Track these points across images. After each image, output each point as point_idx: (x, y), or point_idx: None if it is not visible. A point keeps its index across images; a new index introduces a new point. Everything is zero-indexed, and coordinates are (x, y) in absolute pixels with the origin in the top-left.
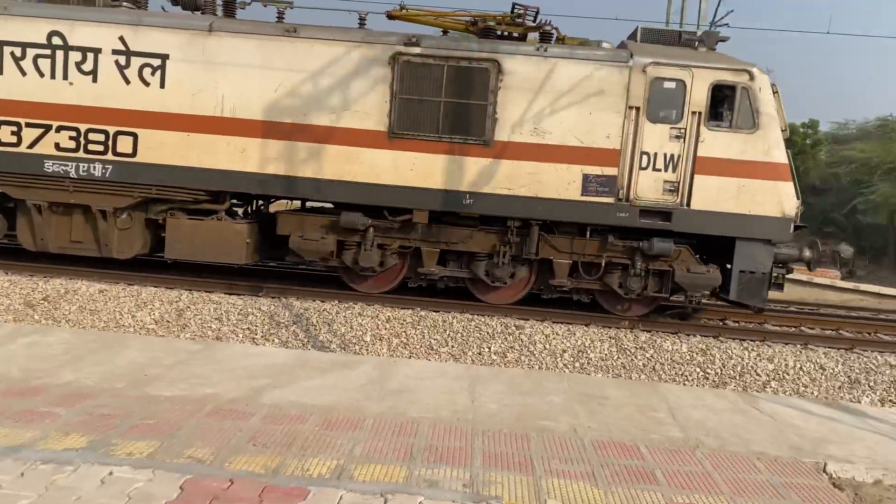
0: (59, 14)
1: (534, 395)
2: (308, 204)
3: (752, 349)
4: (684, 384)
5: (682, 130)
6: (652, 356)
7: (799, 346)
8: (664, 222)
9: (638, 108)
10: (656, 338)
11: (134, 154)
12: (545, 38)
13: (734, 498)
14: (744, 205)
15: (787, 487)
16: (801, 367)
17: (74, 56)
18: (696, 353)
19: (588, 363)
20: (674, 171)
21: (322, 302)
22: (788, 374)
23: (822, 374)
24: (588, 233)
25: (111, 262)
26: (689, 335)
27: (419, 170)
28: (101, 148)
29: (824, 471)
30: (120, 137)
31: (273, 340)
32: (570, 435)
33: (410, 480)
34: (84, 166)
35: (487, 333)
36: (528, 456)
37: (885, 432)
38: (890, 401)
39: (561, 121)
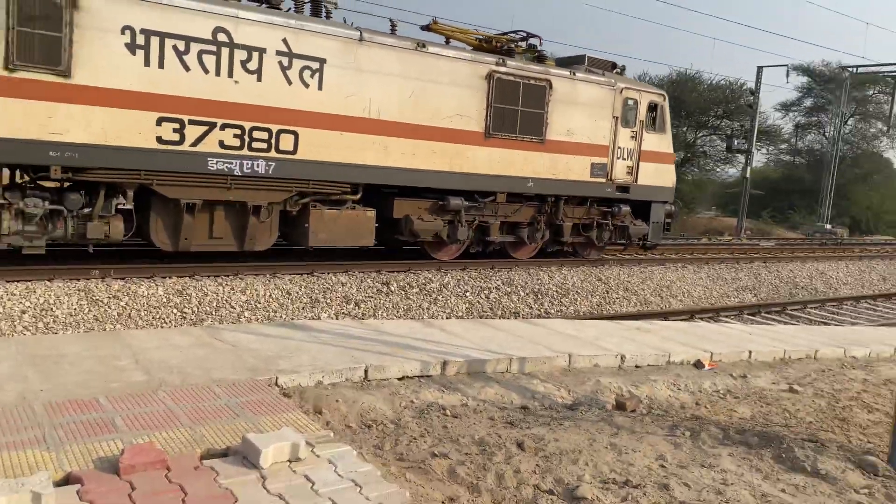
0: (226, 11)
1: None
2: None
3: (227, 284)
4: (162, 327)
5: (635, 132)
6: (127, 304)
7: (268, 275)
8: (625, 193)
9: (617, 118)
10: (130, 284)
11: (294, 151)
12: (540, 59)
13: (194, 427)
14: (659, 180)
15: (243, 406)
16: (270, 295)
17: (240, 54)
18: (173, 295)
19: (55, 322)
20: (631, 159)
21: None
22: (260, 303)
23: (288, 299)
24: (589, 203)
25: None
26: (164, 277)
27: (503, 162)
28: (264, 145)
29: (276, 384)
30: (283, 135)
31: None
32: (19, 402)
33: None
34: (248, 163)
35: None
36: None
37: (327, 341)
38: (343, 313)
39: (581, 125)
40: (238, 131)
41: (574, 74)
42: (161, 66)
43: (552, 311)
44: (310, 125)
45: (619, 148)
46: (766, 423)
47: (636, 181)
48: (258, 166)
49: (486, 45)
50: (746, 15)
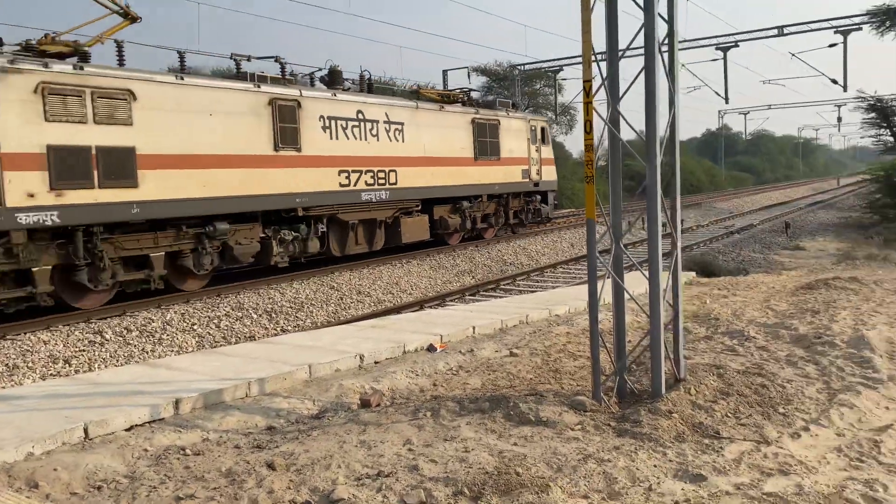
0: (360, 99)
1: None
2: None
3: None
4: None
5: (538, 147)
6: None
7: None
8: (537, 188)
9: (529, 139)
10: None
11: (396, 183)
12: (489, 104)
13: None
14: (551, 177)
15: None
16: None
17: (368, 126)
18: None
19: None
20: (538, 165)
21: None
22: None
23: None
24: (521, 196)
25: None
26: None
27: (484, 175)
28: (383, 181)
29: None
30: (390, 174)
31: None
32: None
33: None
34: (377, 193)
35: None
36: None
37: (33, 406)
38: (52, 375)
39: (514, 146)
40: (371, 173)
41: (509, 114)
42: (336, 137)
43: (289, 327)
44: (400, 165)
45: (531, 158)
46: (495, 387)
47: (541, 179)
48: (382, 194)
49: (442, 98)
50: (429, 23)
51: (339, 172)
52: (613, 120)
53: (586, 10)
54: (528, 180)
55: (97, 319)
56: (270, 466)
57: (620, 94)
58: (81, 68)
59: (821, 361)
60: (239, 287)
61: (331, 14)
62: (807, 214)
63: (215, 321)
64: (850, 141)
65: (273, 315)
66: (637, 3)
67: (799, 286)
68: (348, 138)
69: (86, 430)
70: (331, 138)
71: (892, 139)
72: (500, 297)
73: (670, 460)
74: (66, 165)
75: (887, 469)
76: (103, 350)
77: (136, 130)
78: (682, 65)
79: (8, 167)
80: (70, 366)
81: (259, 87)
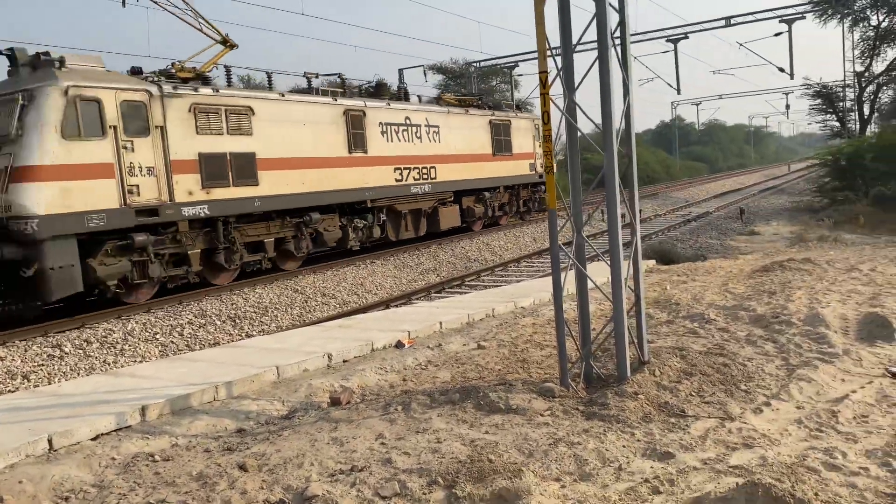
0: (406, 107)
1: None
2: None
3: None
4: None
5: (540, 143)
6: None
7: None
8: (541, 179)
9: (534, 136)
10: None
11: (436, 178)
12: (497, 106)
13: None
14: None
15: None
16: None
17: (414, 129)
18: None
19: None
20: (541, 159)
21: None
22: None
23: None
24: (529, 187)
25: None
26: None
27: (500, 169)
28: (427, 176)
29: None
30: (431, 170)
31: None
32: None
33: None
34: (422, 187)
35: None
36: None
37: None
38: (8, 390)
39: (522, 143)
40: (417, 170)
41: (518, 115)
42: (391, 140)
43: (253, 332)
44: (438, 162)
45: (536, 153)
46: (465, 379)
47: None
48: (426, 188)
49: (468, 101)
50: (384, 22)
51: (395, 170)
52: (570, 110)
53: (540, 2)
54: (534, 173)
55: (55, 333)
56: (242, 468)
57: (576, 85)
58: (218, 91)
59: (779, 339)
60: (201, 294)
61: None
62: (760, 200)
63: (178, 329)
64: (798, 128)
65: (237, 321)
66: None
67: (755, 269)
68: (400, 140)
69: (50, 442)
70: (387, 141)
71: (837, 124)
72: (466, 293)
73: (638, 440)
74: (211, 169)
75: (845, 437)
76: (63, 363)
77: (255, 139)
78: (635, 57)
79: (176, 171)
80: (29, 381)
81: (336, 100)
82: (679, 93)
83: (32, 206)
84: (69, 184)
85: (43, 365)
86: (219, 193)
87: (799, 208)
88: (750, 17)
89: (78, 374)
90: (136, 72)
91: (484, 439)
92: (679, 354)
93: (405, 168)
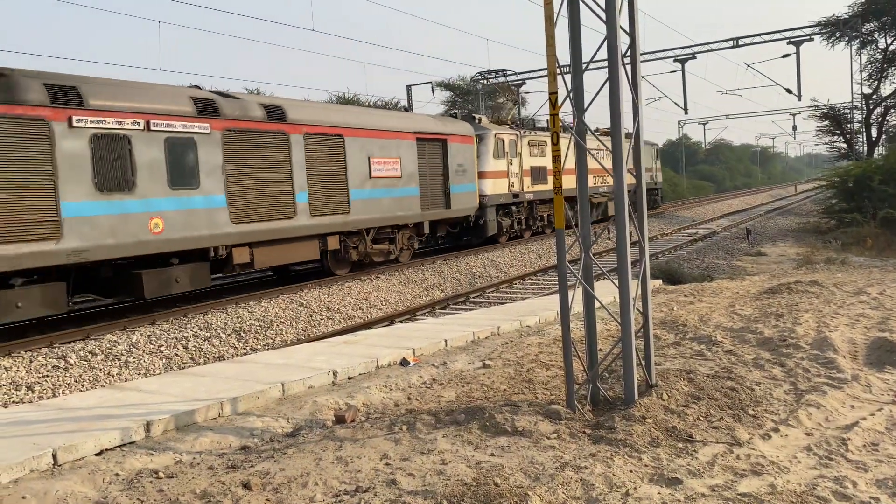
0: (533, 133)
1: None
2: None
3: None
4: None
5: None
6: None
7: None
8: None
9: (520, 155)
10: None
11: (546, 184)
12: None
13: None
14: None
15: None
16: None
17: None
18: None
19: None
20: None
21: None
22: None
23: None
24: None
25: None
26: None
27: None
28: (546, 184)
29: None
30: (547, 179)
31: None
32: None
33: None
34: (598, 189)
35: None
36: None
37: None
38: (12, 402)
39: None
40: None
41: (530, 133)
42: (502, 156)
43: (259, 346)
44: (548, 174)
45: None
46: (470, 399)
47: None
48: (601, 190)
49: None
50: (393, 39)
51: (531, 182)
52: (580, 131)
53: (550, 24)
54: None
55: (60, 344)
56: (246, 486)
57: (585, 106)
58: (535, 132)
59: (787, 363)
60: (206, 307)
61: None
62: (767, 221)
63: (183, 342)
64: (805, 148)
65: (242, 334)
66: (599, 17)
67: (762, 291)
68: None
69: (54, 456)
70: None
71: (845, 146)
72: (471, 309)
73: (646, 465)
74: (534, 175)
75: (855, 466)
76: (67, 375)
77: (546, 159)
78: (643, 77)
79: (524, 175)
80: (33, 392)
81: (528, 133)
82: (686, 112)
83: (486, 189)
84: (495, 181)
85: (48, 376)
86: (535, 188)
87: (806, 229)
88: (758, 39)
89: (83, 385)
90: (194, 87)
91: (489, 462)
92: (686, 377)
93: (597, 177)
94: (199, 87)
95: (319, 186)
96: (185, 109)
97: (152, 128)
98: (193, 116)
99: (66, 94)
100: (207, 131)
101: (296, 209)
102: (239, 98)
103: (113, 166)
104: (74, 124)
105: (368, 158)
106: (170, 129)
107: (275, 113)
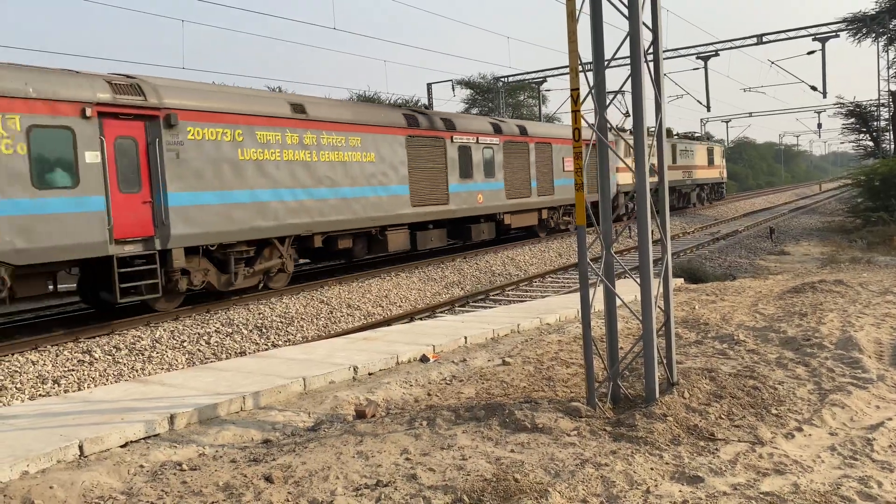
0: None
1: None
2: None
3: None
4: None
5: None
6: None
7: None
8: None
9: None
10: None
11: (694, 177)
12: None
13: None
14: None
15: None
16: None
17: (691, 153)
18: None
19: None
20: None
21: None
22: None
23: None
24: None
25: None
26: None
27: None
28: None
29: None
30: (692, 172)
31: None
32: None
33: None
34: (686, 182)
35: None
36: None
37: (25, 426)
38: (41, 395)
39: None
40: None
41: (699, 143)
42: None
43: (280, 342)
44: (695, 170)
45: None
46: (489, 396)
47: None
48: (688, 182)
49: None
50: (413, 37)
51: (683, 172)
52: (601, 127)
53: (572, 20)
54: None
55: (85, 339)
56: (268, 479)
57: (607, 103)
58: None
59: (810, 363)
60: (228, 303)
61: (317, 30)
62: (790, 219)
63: (205, 338)
64: (830, 147)
65: (263, 330)
66: (622, 13)
67: (786, 290)
68: (680, 160)
69: (81, 448)
70: (672, 161)
71: (871, 143)
72: (490, 307)
73: (667, 463)
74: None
75: (881, 466)
76: (92, 369)
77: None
78: (665, 74)
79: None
80: (59, 385)
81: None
82: (709, 110)
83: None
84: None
85: (73, 370)
86: (621, 179)
87: (830, 229)
88: (783, 35)
89: (107, 379)
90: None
91: (509, 458)
92: (708, 376)
93: (686, 172)
94: (491, 117)
95: (542, 177)
96: (488, 129)
97: (479, 141)
98: (492, 133)
99: (450, 124)
100: (498, 143)
101: (532, 192)
102: (505, 121)
103: (462, 163)
104: (454, 140)
105: (563, 159)
106: (482, 142)
107: (522, 130)
